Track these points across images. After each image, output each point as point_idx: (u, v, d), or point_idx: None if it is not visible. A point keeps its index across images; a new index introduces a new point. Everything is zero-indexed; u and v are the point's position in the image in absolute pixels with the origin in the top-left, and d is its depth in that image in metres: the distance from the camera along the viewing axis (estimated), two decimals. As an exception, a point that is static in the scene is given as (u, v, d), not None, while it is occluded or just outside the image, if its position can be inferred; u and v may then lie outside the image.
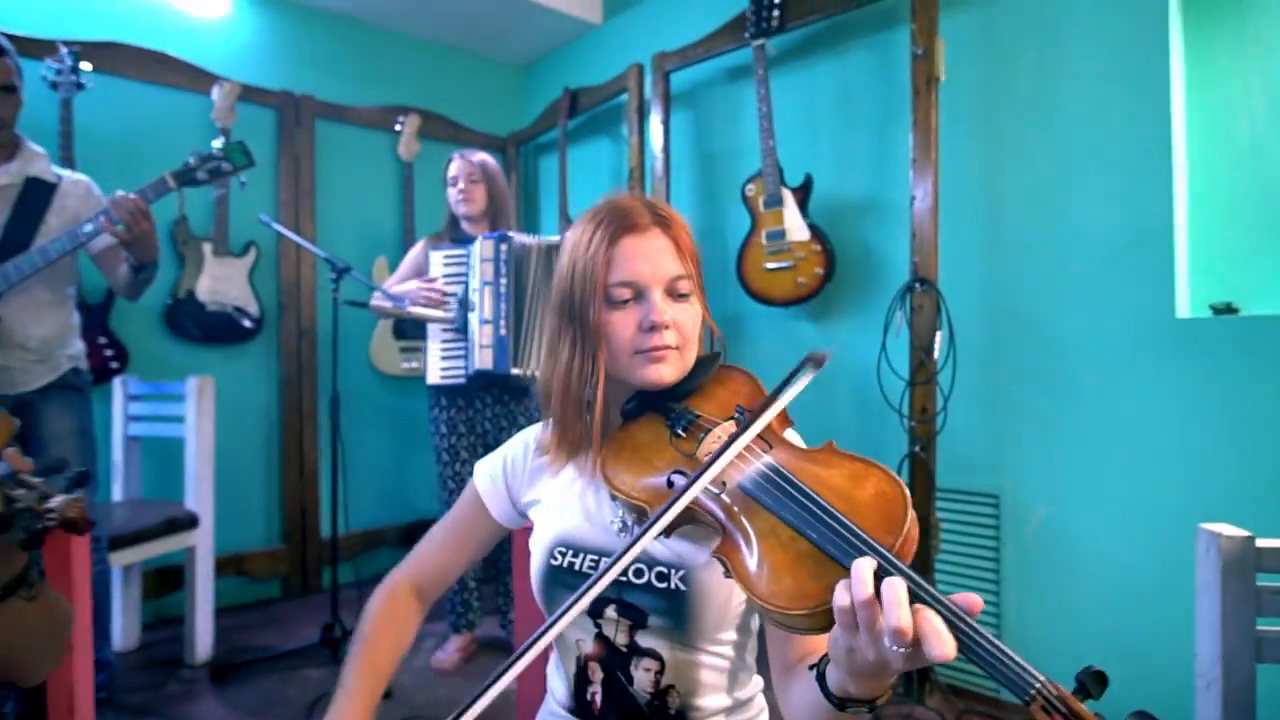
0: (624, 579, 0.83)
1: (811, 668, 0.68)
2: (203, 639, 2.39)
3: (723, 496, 0.71)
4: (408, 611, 0.97)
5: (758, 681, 0.92)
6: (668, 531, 0.76)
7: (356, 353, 3.20)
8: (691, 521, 0.74)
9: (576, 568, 0.86)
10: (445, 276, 2.26)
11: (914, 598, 0.53)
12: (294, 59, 3.12)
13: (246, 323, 2.90)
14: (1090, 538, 1.93)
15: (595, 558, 0.86)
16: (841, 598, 0.55)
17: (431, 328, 2.29)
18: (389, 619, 0.95)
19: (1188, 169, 1.90)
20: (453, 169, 2.37)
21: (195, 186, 1.82)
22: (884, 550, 0.57)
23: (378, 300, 2.27)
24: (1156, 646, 1.79)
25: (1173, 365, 1.82)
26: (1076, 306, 1.98)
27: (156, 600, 2.66)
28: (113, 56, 2.63)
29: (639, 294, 0.84)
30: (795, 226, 2.39)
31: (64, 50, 2.46)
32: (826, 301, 2.46)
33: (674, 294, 0.85)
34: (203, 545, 2.38)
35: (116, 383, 2.53)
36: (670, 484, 0.77)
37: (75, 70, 2.48)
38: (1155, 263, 1.86)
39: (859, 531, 0.59)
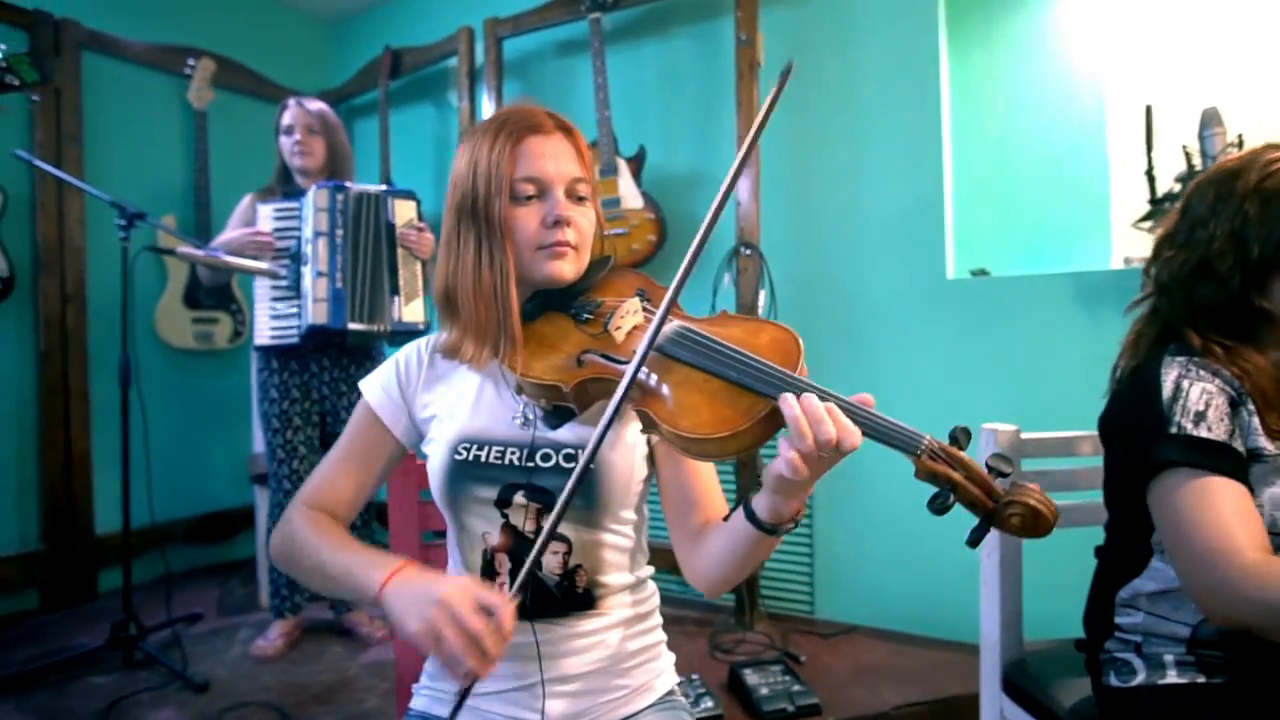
0: (531, 464, 0.86)
1: (728, 517, 0.79)
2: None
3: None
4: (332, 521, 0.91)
5: (650, 568, 0.99)
6: (580, 404, 0.81)
7: (140, 322, 2.79)
8: (606, 393, 0.80)
9: (484, 460, 0.87)
10: (276, 231, 2.06)
11: (824, 400, 0.65)
12: (52, -25, 2.66)
13: (-10, 282, 2.43)
14: (883, 467, 2.25)
15: (500, 449, 0.87)
16: (788, 419, 0.65)
17: (259, 287, 2.08)
18: (329, 525, 0.89)
19: (951, 154, 2.29)
20: (287, 117, 2.15)
21: None
22: (789, 375, 0.68)
23: (186, 249, 2.02)
24: (939, 551, 2.13)
25: (944, 319, 2.20)
26: (871, 269, 2.30)
27: None
28: None
29: (542, 191, 0.87)
30: (630, 194, 2.51)
31: None
32: (660, 266, 2.60)
33: (573, 196, 0.89)
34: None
35: None
36: (580, 362, 0.82)
37: None
38: (930, 233, 2.23)
39: (766, 364, 0.70)
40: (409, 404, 0.94)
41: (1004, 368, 2.10)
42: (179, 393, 2.98)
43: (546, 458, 0.86)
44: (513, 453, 0.87)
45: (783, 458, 0.65)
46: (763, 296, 2.29)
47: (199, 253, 2.00)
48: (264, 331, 2.07)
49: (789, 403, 0.65)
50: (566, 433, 0.86)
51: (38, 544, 2.59)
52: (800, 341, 0.74)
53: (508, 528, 0.87)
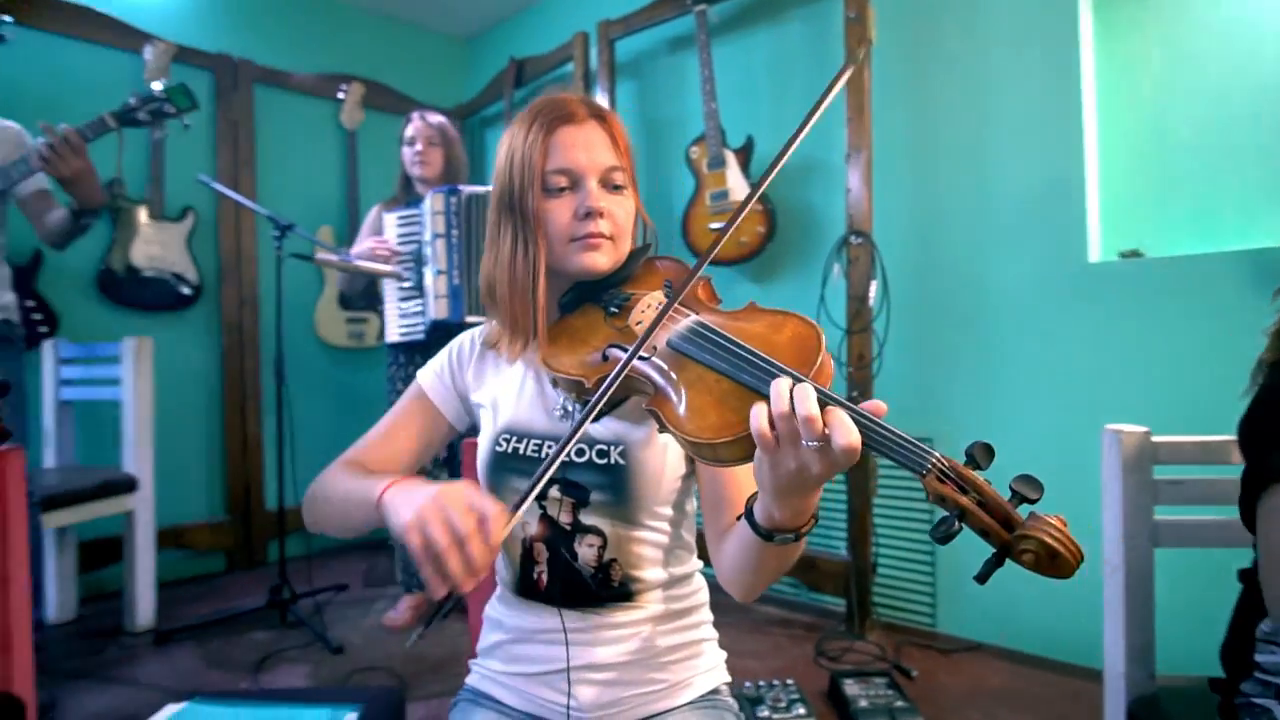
0: (567, 459, 0.87)
1: (739, 518, 0.74)
2: (144, 607, 2.33)
3: (654, 359, 0.76)
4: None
5: (697, 562, 0.97)
6: (610, 406, 0.80)
7: (301, 323, 3.15)
8: (630, 389, 0.79)
9: (522, 453, 0.89)
10: (400, 237, 2.25)
11: (824, 404, 0.59)
12: (232, 21, 3.06)
13: (185, 290, 2.83)
14: (1015, 471, 2.05)
15: (539, 442, 0.88)
16: (760, 414, 0.60)
17: (388, 289, 2.28)
18: (345, 465, 0.93)
19: (1097, 125, 2.03)
20: (410, 129, 2.35)
21: (136, 127, 1.77)
22: (796, 373, 0.63)
23: (323, 254, 2.25)
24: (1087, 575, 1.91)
25: (1085, 306, 1.96)
26: (1000, 255, 2.10)
27: (92, 575, 2.58)
28: (38, 9, 2.54)
29: (575, 182, 0.86)
30: (738, 186, 2.46)
31: (-17, 1, 2.36)
32: (769, 259, 2.54)
33: (609, 185, 0.88)
34: (142, 510, 2.32)
35: (46, 346, 2.44)
36: (605, 357, 0.81)
37: (-4, 23, 2.38)
38: (1068, 213, 1.99)
39: (776, 363, 0.65)
40: (459, 390, 0.98)
41: (1158, 362, 1.84)
42: (335, 385, 3.32)
43: (580, 453, 0.86)
44: (549, 446, 0.87)
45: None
46: (874, 287, 2.16)
47: (333, 257, 2.21)
48: (394, 329, 2.25)
49: (775, 388, 0.60)
50: (603, 428, 0.86)
51: (223, 514, 3.00)
52: (821, 336, 0.68)
53: (545, 519, 0.89)
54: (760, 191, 0.80)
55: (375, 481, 0.79)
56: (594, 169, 0.86)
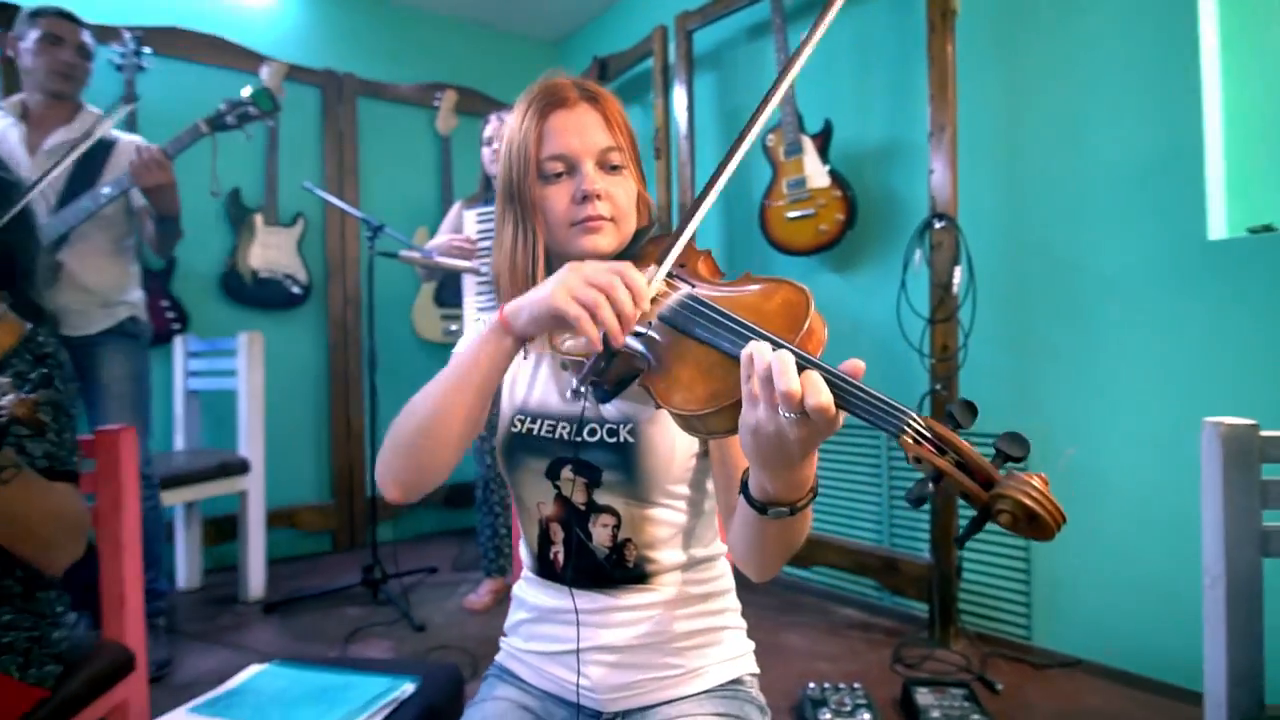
0: (579, 439, 0.87)
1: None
2: (255, 579, 2.54)
3: (649, 333, 0.75)
4: None
5: (721, 546, 0.95)
6: (618, 385, 0.80)
7: (399, 319, 3.34)
8: (631, 366, 0.78)
9: (535, 433, 0.90)
10: (480, 233, 2.34)
11: (802, 367, 0.57)
12: (336, 40, 3.28)
13: (296, 289, 3.07)
14: (1121, 475, 1.86)
15: (553, 423, 0.89)
16: (744, 374, 0.59)
17: (467, 286, 2.38)
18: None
19: (1220, 89, 1.81)
20: (488, 129, 2.44)
21: (225, 130, 1.94)
22: (777, 338, 0.61)
23: (406, 252, 2.38)
24: (1183, 577, 1.71)
25: (1205, 289, 1.75)
26: (1102, 235, 1.91)
27: (216, 548, 2.84)
28: (172, 40, 2.83)
29: (571, 167, 0.85)
30: (815, 173, 2.38)
31: (128, 35, 2.66)
32: (849, 247, 2.44)
33: (606, 166, 0.86)
34: (254, 490, 2.53)
35: (177, 341, 2.72)
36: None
37: (138, 54, 2.68)
38: (1185, 186, 1.79)
39: (758, 330, 0.63)
40: None
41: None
42: (429, 378, 3.48)
43: (592, 433, 0.87)
44: (562, 427, 0.88)
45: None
46: (959, 274, 2.03)
47: (415, 254, 2.33)
48: (472, 322, 2.35)
49: (748, 351, 0.59)
50: (613, 408, 0.86)
51: (329, 498, 3.22)
52: (809, 300, 0.66)
53: (560, 499, 0.89)
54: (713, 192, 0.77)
55: (474, 339, 0.77)
56: (589, 151, 0.86)
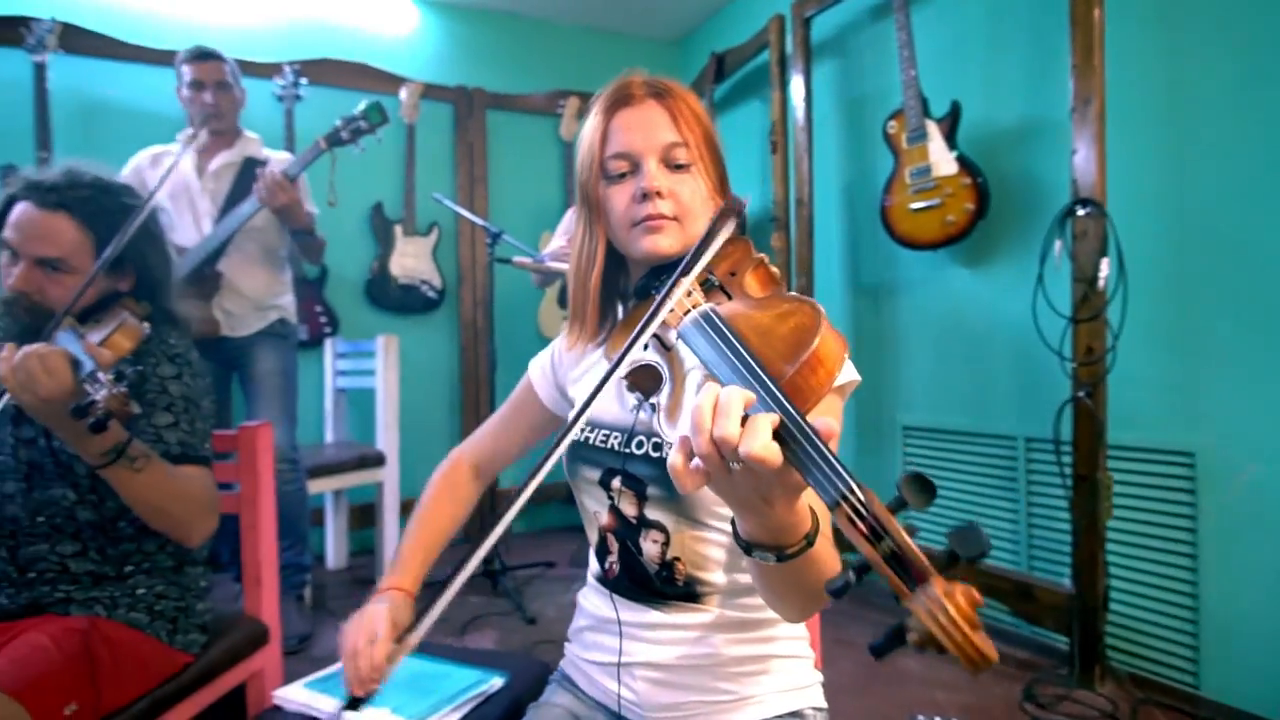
0: (627, 450, 0.85)
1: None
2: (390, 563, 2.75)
3: (674, 349, 0.72)
4: (465, 487, 1.06)
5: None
6: (643, 390, 0.78)
7: (526, 320, 3.48)
8: (654, 378, 0.75)
9: (592, 443, 0.89)
10: None
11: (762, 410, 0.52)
12: (468, 56, 3.47)
13: (431, 294, 3.29)
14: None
15: (606, 433, 0.88)
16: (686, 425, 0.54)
17: None
18: (446, 493, 1.04)
19: None
20: None
21: (341, 146, 2.11)
22: (763, 370, 0.56)
23: (519, 258, 2.47)
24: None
25: None
26: (1291, 218, 1.61)
27: (360, 532, 3.11)
28: (324, 70, 3.12)
29: (634, 165, 0.84)
30: (941, 160, 2.20)
31: (287, 69, 2.97)
32: (981, 239, 2.23)
33: (671, 164, 0.84)
34: (389, 481, 2.74)
35: (328, 343, 3.00)
36: (647, 346, 0.78)
37: (296, 85, 2.98)
38: None
39: (751, 362, 0.58)
40: (559, 383, 1.02)
41: None
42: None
43: (640, 445, 0.85)
44: (615, 437, 0.87)
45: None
46: (1106, 266, 1.79)
47: (527, 260, 2.41)
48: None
49: (704, 388, 0.54)
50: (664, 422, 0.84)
51: (461, 491, 3.42)
52: (818, 327, 0.59)
53: (614, 509, 0.88)
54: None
55: (390, 568, 0.96)
56: (652, 149, 0.83)
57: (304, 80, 3.00)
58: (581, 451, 0.90)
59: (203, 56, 2.18)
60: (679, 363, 0.70)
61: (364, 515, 3.08)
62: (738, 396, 0.51)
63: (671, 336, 0.71)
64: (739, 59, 3.14)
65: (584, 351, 0.97)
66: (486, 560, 2.66)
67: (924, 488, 0.44)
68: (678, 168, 0.84)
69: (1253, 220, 1.67)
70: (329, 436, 2.99)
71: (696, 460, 0.53)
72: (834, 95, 2.84)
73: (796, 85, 2.78)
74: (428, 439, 3.36)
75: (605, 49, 3.79)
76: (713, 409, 0.51)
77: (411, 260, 3.25)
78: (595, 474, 0.88)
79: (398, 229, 3.23)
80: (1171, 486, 1.82)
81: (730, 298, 0.74)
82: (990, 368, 2.24)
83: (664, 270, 0.86)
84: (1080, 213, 1.82)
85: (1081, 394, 1.82)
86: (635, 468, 0.84)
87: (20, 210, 1.18)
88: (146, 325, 1.12)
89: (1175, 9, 1.80)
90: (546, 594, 2.64)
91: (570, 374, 1.00)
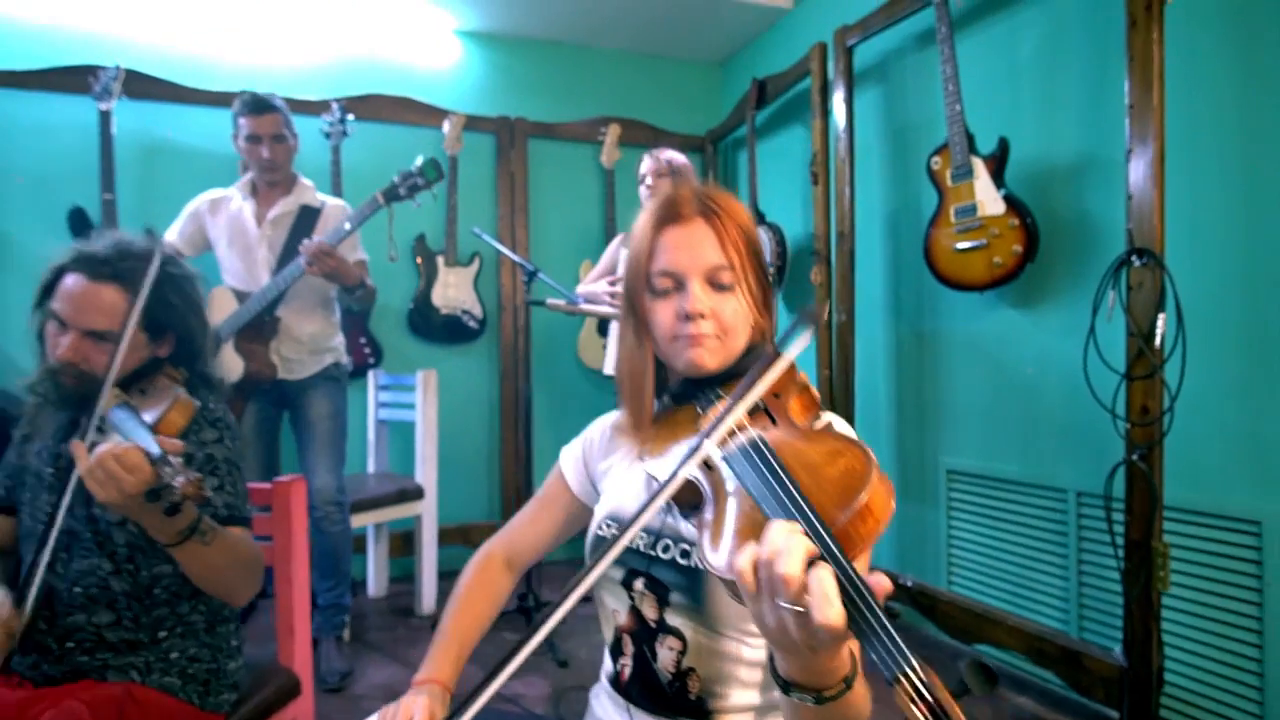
0: (652, 553, 0.85)
1: None
2: (427, 596, 2.79)
3: (715, 470, 0.72)
4: (498, 581, 1.05)
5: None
6: (682, 509, 0.77)
7: (567, 349, 3.50)
8: (696, 495, 0.74)
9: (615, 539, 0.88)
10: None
11: (815, 563, 0.52)
12: (508, 87, 3.50)
13: (472, 324, 3.33)
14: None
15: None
16: (746, 556, 0.55)
17: (614, 322, 2.43)
18: (480, 588, 1.04)
19: None
20: (643, 167, 2.50)
21: (399, 201, 2.15)
22: (817, 517, 0.57)
23: (553, 300, 2.47)
24: None
25: None
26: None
27: (400, 559, 3.17)
28: (370, 106, 3.19)
29: (679, 283, 0.86)
30: (988, 199, 2.11)
31: (335, 106, 3.04)
32: (1032, 280, 2.13)
33: (715, 284, 0.86)
34: (427, 515, 2.79)
35: (370, 375, 3.07)
36: None
37: (343, 121, 3.06)
38: None
39: (802, 504, 0.59)
40: (591, 475, 1.02)
41: None
42: (592, 404, 3.61)
43: (666, 549, 0.85)
44: (642, 538, 0.87)
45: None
46: (1163, 322, 1.68)
47: (561, 303, 2.41)
48: (610, 364, 2.38)
49: (768, 532, 0.55)
50: (690, 526, 0.83)
51: (499, 517, 3.46)
52: (868, 477, 0.59)
53: (633, 610, 0.88)
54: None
55: (426, 660, 0.95)
56: (696, 269, 0.86)
57: (350, 116, 3.08)
58: (606, 549, 0.89)
59: (259, 109, 2.21)
60: (721, 483, 0.69)
61: (405, 543, 3.13)
62: (798, 544, 0.53)
63: (716, 456, 0.71)
64: (781, 85, 3.09)
65: (618, 442, 0.97)
66: (520, 596, 2.68)
67: (988, 678, 0.45)
68: (721, 288, 0.87)
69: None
70: (370, 467, 3.05)
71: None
72: (878, 124, 2.76)
73: (839, 113, 2.71)
74: (470, 465, 3.42)
75: (647, 73, 3.77)
76: (782, 552, 0.53)
77: (453, 290, 3.29)
78: (619, 573, 0.88)
79: (440, 259, 3.28)
80: (1236, 556, 1.70)
81: (774, 420, 0.75)
82: (1040, 415, 2.14)
83: (693, 380, 0.89)
84: (1136, 263, 1.71)
85: (1135, 456, 1.71)
86: (660, 572, 0.84)
87: (72, 282, 1.22)
88: (196, 401, 1.16)
89: (1249, 45, 1.68)
90: (580, 633, 2.63)
91: (599, 465, 1.00)
